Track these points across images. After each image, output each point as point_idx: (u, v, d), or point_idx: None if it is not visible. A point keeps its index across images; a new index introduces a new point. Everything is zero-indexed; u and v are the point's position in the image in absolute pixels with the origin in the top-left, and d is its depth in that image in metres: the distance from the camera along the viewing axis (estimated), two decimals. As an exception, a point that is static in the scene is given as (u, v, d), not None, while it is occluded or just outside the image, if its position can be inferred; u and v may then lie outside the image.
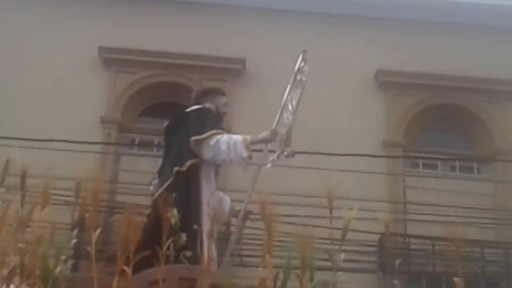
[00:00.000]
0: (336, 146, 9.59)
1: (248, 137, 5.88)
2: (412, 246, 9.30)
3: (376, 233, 8.45)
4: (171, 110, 10.84)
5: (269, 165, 5.99)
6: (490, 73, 10.60)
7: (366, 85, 10.68)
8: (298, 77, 6.34)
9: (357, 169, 9.27)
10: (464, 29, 10.85)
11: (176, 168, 5.74)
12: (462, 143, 10.84)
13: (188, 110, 6.20)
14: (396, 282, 4.95)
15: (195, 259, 5.05)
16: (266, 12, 10.81)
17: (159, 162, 9.81)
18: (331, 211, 4.35)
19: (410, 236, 9.32)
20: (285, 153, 6.01)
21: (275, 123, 6.14)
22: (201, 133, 5.81)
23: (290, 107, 6.20)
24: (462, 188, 10.17)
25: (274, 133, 6.03)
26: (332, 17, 10.79)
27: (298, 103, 6.22)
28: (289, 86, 6.29)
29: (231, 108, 9.00)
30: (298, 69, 6.39)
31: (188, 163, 5.75)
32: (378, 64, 10.63)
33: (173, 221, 4.60)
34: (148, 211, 5.64)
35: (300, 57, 6.44)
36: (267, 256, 4.02)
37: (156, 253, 4.23)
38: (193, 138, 5.80)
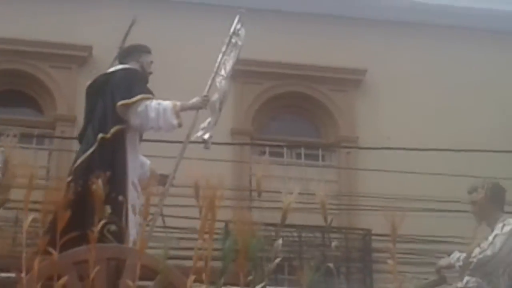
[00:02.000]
0: (183, 133, 9.54)
1: (178, 103, 5.57)
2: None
3: (221, 221, 8.49)
4: (16, 99, 10.62)
5: (199, 134, 5.79)
6: (335, 62, 10.83)
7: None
8: (233, 40, 6.09)
9: (204, 157, 9.25)
10: (310, 18, 11.02)
11: (100, 135, 5.36)
12: (308, 131, 11.07)
13: (112, 70, 5.77)
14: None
15: (120, 233, 4.87)
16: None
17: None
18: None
19: (255, 223, 9.41)
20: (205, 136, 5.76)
21: (207, 89, 5.84)
22: (129, 97, 5.42)
23: (223, 72, 5.93)
24: (307, 175, 10.39)
25: (205, 100, 5.76)
26: (180, 4, 10.75)
27: (232, 68, 5.98)
28: (223, 49, 6.03)
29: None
30: (234, 32, 6.13)
31: (113, 130, 5.39)
32: (226, 52, 10.66)
33: (99, 193, 4.34)
34: (69, 180, 5.29)
35: (236, 20, 6.18)
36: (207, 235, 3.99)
37: (83, 232, 4.14)
38: (120, 103, 5.40)
